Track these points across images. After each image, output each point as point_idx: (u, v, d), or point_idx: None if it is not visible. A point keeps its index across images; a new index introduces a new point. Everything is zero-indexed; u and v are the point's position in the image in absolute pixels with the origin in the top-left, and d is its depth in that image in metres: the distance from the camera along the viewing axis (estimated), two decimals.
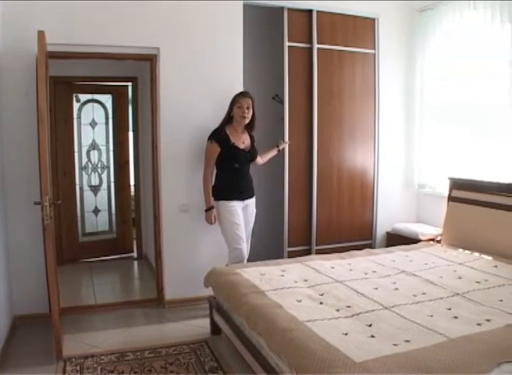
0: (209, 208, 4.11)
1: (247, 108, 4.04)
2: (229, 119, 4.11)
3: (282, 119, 4.80)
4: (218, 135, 4.07)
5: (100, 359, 3.41)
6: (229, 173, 4.13)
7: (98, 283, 5.31)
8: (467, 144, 4.72)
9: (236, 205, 4.09)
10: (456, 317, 2.72)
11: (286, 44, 4.74)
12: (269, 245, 5.11)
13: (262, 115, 4.50)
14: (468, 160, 4.71)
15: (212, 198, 4.15)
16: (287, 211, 4.88)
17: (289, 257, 4.17)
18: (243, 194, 4.15)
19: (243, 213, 4.14)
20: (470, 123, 4.67)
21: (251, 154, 4.21)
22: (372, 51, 5.17)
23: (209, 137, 4.08)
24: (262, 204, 4.68)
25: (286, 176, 4.87)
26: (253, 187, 4.27)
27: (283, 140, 4.70)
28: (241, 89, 4.55)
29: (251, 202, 4.26)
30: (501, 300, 2.99)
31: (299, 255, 4.34)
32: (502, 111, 4.34)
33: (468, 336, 2.44)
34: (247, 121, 4.10)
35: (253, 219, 4.32)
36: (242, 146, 4.11)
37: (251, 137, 4.25)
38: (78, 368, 3.27)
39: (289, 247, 4.92)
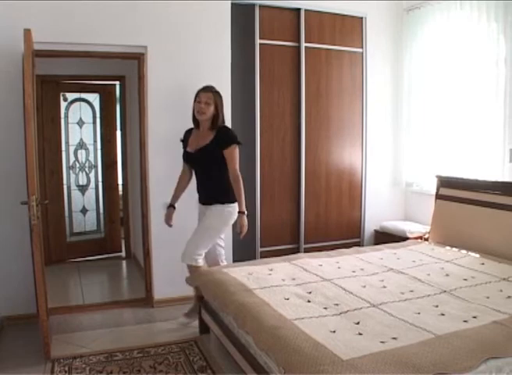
0: (168, 206, 4.06)
1: (206, 103, 3.69)
2: (194, 118, 3.87)
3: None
4: (184, 135, 4.01)
5: (88, 360, 3.39)
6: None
7: (86, 283, 5.28)
8: (454, 142, 4.75)
9: (199, 208, 4.00)
10: (443, 314, 2.74)
11: (258, 41, 4.74)
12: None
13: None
14: (456, 158, 4.74)
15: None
16: (259, 209, 4.88)
17: (275, 256, 4.16)
18: (199, 197, 3.96)
19: (203, 215, 3.91)
20: (457, 122, 4.70)
21: (201, 157, 3.78)
22: (360, 50, 5.19)
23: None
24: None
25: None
26: (213, 195, 3.84)
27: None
28: (229, 87, 4.56)
29: (208, 210, 3.84)
30: (488, 297, 3.02)
31: (286, 254, 4.34)
32: (488, 109, 4.37)
33: (455, 333, 2.46)
34: (204, 117, 3.72)
35: (206, 223, 3.83)
36: (190, 149, 3.85)
37: (218, 136, 3.74)
38: (66, 368, 3.26)
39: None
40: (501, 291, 3.14)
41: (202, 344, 3.67)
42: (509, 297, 3.02)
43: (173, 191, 4.06)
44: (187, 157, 3.89)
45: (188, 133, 3.95)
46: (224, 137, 3.73)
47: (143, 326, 4.08)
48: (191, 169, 4.00)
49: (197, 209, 4.05)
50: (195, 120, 3.84)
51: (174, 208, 4.03)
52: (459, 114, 4.67)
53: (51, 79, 5.58)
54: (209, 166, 3.78)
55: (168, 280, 4.45)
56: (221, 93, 4.48)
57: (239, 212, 3.73)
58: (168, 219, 4.02)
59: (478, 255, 3.97)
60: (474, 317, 2.69)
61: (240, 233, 3.75)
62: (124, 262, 6.19)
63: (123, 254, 6.38)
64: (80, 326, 4.04)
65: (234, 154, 3.72)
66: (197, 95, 3.77)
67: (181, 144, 4.01)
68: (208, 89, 3.76)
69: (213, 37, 4.49)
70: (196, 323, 3.91)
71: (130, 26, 4.21)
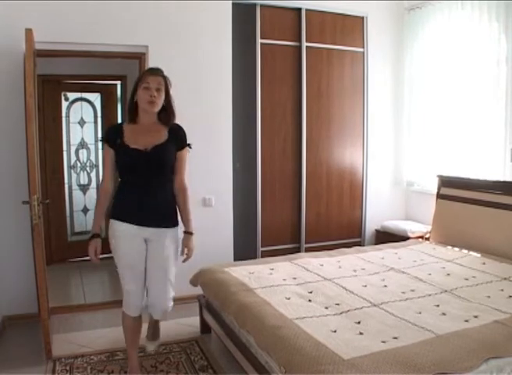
0: (91, 237, 2.95)
1: (157, 90, 2.83)
2: (132, 108, 2.92)
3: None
4: (109, 131, 3.00)
5: (90, 359, 3.40)
6: (126, 183, 2.92)
7: (88, 282, 5.29)
8: (455, 142, 4.75)
9: (129, 230, 2.89)
10: (444, 314, 2.74)
11: (259, 40, 4.74)
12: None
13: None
14: (457, 158, 4.74)
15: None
16: (260, 209, 4.89)
17: (276, 255, 4.17)
18: (139, 216, 2.87)
19: (147, 245, 2.94)
20: (458, 121, 4.69)
21: (159, 156, 2.86)
22: (361, 50, 5.19)
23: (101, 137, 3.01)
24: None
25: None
26: (168, 213, 2.97)
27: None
28: (230, 87, 4.56)
29: (162, 234, 2.92)
30: (488, 296, 3.02)
31: (287, 254, 4.34)
32: (490, 109, 4.37)
33: (456, 332, 2.47)
34: (157, 108, 2.86)
35: (170, 259, 2.96)
36: (139, 145, 2.83)
37: (173, 134, 2.95)
38: (68, 368, 3.26)
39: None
40: (502, 290, 3.14)
41: (203, 343, 3.67)
42: (510, 296, 3.02)
43: (95, 215, 3.06)
44: (135, 157, 2.83)
45: (117, 129, 2.94)
46: (182, 136, 2.99)
47: (144, 325, 4.05)
48: (113, 179, 2.97)
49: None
50: (133, 112, 2.92)
51: (100, 237, 2.98)
52: (460, 114, 4.67)
53: (52, 78, 5.59)
54: (165, 172, 2.93)
55: None
56: (221, 92, 4.48)
57: (187, 233, 3.02)
58: (95, 254, 2.95)
59: (479, 255, 3.97)
60: (475, 317, 2.69)
61: (186, 258, 3.03)
62: None
63: None
64: (81, 326, 4.05)
65: (187, 157, 3.03)
66: (142, 79, 2.87)
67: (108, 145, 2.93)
68: (158, 72, 2.92)
69: (214, 37, 4.50)
70: (195, 322, 3.92)
71: (131, 26, 4.21)
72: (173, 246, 2.97)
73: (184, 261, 3.04)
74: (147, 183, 2.87)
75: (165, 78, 2.91)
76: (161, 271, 2.95)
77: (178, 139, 2.96)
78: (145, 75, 2.89)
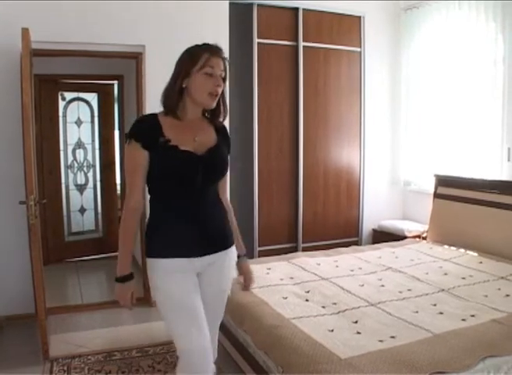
0: (123, 278, 2.14)
1: (222, 77, 2.14)
2: (178, 96, 2.10)
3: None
4: (142, 126, 2.09)
5: (87, 359, 3.39)
6: (166, 201, 2.11)
7: (85, 282, 5.28)
8: (452, 141, 4.76)
9: (183, 268, 2.09)
10: (441, 313, 2.75)
11: (256, 40, 4.75)
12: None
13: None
14: (454, 157, 4.75)
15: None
16: (257, 208, 4.89)
17: (273, 255, 4.17)
18: (194, 246, 2.09)
19: (203, 279, 2.17)
20: (455, 121, 4.70)
21: (216, 161, 2.13)
22: (358, 50, 5.20)
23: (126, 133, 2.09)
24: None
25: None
26: (226, 230, 2.22)
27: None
28: (227, 86, 4.52)
29: (219, 259, 2.17)
30: (486, 295, 3.03)
31: (284, 253, 4.34)
32: (487, 108, 4.38)
33: (453, 331, 2.47)
34: (216, 101, 2.14)
35: (222, 290, 2.25)
36: (188, 146, 2.05)
37: (222, 136, 2.24)
38: (65, 368, 3.25)
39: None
40: (499, 289, 3.15)
41: None
42: (507, 295, 3.03)
43: (122, 248, 2.21)
44: (188, 163, 2.03)
45: (153, 123, 2.06)
46: (229, 140, 2.31)
47: (141, 325, 4.07)
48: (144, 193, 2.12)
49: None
50: (177, 102, 2.10)
51: (133, 277, 2.17)
52: (457, 113, 4.68)
53: (49, 78, 5.57)
54: (218, 182, 2.22)
55: None
56: None
57: (243, 256, 2.38)
58: (129, 300, 2.13)
59: (476, 254, 3.98)
60: (473, 316, 2.70)
61: (246, 285, 2.41)
62: None
63: None
64: (78, 326, 4.04)
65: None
66: (202, 60, 2.14)
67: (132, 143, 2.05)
68: (221, 53, 2.21)
69: (211, 37, 4.40)
70: None
71: (128, 26, 4.20)
72: (232, 272, 2.28)
73: (247, 289, 2.44)
74: (199, 199, 2.09)
75: (227, 62, 2.20)
76: (216, 312, 2.26)
77: (227, 143, 2.28)
78: (206, 55, 2.13)
